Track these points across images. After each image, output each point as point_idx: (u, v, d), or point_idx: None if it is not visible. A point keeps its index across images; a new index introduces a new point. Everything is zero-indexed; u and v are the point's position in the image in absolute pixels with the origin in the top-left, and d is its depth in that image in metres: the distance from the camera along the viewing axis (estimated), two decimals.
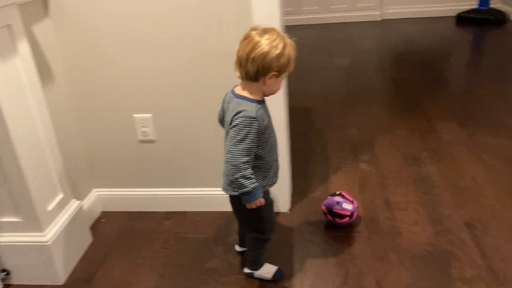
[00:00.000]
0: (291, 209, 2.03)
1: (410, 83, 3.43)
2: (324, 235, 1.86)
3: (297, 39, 1.37)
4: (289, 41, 1.32)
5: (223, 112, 1.45)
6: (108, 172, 2.08)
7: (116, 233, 1.98)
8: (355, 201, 1.88)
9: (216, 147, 1.95)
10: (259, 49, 1.26)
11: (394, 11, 5.48)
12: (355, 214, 1.85)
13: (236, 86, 1.42)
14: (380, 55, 4.19)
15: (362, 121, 2.85)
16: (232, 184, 1.40)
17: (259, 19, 1.67)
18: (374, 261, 1.70)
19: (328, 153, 2.50)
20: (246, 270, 1.66)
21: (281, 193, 1.98)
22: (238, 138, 1.31)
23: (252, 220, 1.53)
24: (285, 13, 6.20)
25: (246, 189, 1.34)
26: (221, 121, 1.51)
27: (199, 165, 2.00)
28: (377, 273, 1.64)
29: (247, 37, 1.30)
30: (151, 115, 1.92)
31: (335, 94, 3.21)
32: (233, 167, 1.33)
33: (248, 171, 1.33)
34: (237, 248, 1.79)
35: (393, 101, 3.13)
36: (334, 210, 1.83)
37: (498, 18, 4.88)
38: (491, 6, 5.16)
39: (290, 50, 1.31)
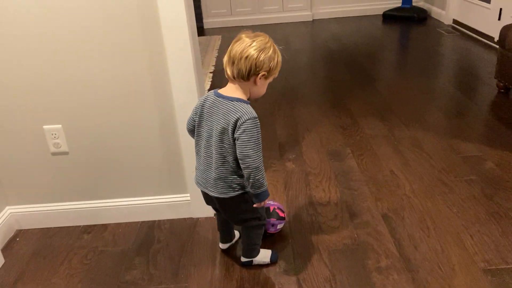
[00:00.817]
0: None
1: (338, 81, 3.52)
2: None
3: (283, 47, 1.43)
4: (277, 48, 1.42)
5: (199, 117, 1.46)
6: (21, 187, 1.97)
7: (31, 252, 1.88)
8: (284, 214, 1.84)
9: (133, 156, 1.90)
10: (252, 48, 1.34)
11: (325, 11, 5.63)
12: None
13: (219, 89, 1.44)
14: (310, 55, 4.28)
15: (290, 120, 2.89)
16: (253, 185, 1.41)
17: (166, 24, 1.65)
18: (295, 259, 1.71)
19: None
20: (244, 259, 1.67)
21: None
22: (253, 141, 1.36)
23: (251, 213, 1.54)
24: (218, 15, 6.22)
25: (264, 187, 1.42)
26: (192, 129, 1.51)
27: (116, 176, 1.94)
28: (297, 271, 1.66)
29: (239, 39, 1.37)
30: (61, 126, 1.83)
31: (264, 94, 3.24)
32: (255, 169, 1.37)
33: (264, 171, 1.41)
34: (222, 246, 1.77)
35: (321, 99, 3.20)
36: (268, 232, 1.80)
37: (420, 15, 5.14)
38: (414, 4, 5.43)
39: (279, 56, 1.41)
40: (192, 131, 1.53)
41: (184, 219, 2.00)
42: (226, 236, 1.76)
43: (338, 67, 3.84)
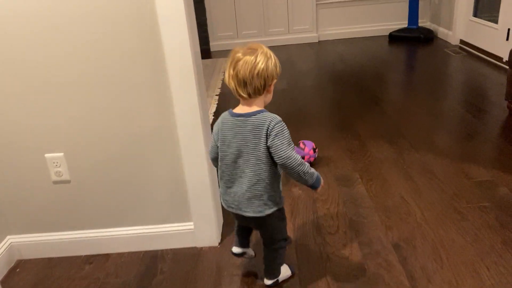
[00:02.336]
0: (220, 242, 1.96)
1: (345, 103, 3.49)
2: (251, 267, 1.79)
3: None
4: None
5: (222, 142, 1.47)
6: (22, 217, 1.93)
7: (31, 283, 1.82)
8: (307, 148, 2.43)
9: (136, 184, 1.86)
10: (260, 64, 1.37)
11: (330, 32, 5.64)
12: (305, 158, 2.35)
13: (232, 109, 1.46)
14: (316, 77, 4.26)
15: (296, 143, 2.84)
16: (306, 179, 1.45)
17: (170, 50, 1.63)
18: None
19: None
20: (269, 282, 1.66)
21: (208, 224, 1.90)
22: (286, 142, 1.40)
23: (279, 230, 1.58)
24: (224, 37, 6.24)
25: (315, 174, 1.47)
26: (217, 157, 1.51)
27: (118, 204, 1.90)
28: None
29: (239, 59, 1.38)
30: (62, 154, 1.80)
31: None
32: (299, 165, 1.41)
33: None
34: (236, 249, 1.72)
35: (328, 122, 3.16)
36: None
37: (426, 35, 5.11)
38: (420, 25, 5.42)
39: (276, 58, 1.45)
40: (216, 159, 1.53)
41: (188, 248, 1.94)
42: (243, 240, 1.72)
43: (345, 89, 3.81)
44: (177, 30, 1.60)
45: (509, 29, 3.86)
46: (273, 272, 1.65)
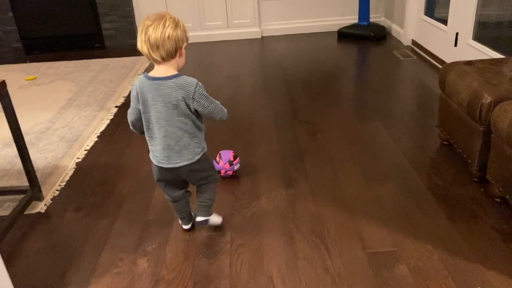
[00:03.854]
0: None
1: (264, 117, 2.94)
2: None
3: None
4: None
5: (143, 105, 1.58)
6: None
7: None
8: (222, 162, 2.22)
9: None
10: (169, 28, 1.48)
11: (275, 27, 5.05)
12: (221, 172, 2.23)
13: (148, 73, 1.57)
14: (253, 79, 3.68)
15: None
16: (222, 118, 1.71)
17: None
18: None
19: None
20: (201, 219, 1.81)
21: None
22: (209, 99, 1.61)
23: (209, 167, 1.78)
24: None
25: (225, 111, 1.72)
26: (138, 119, 1.64)
27: None
28: None
29: (149, 25, 1.48)
30: None
31: None
32: (220, 112, 1.67)
33: None
34: (188, 226, 1.92)
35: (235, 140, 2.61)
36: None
37: (377, 34, 4.56)
38: (374, 20, 4.86)
39: (184, 24, 1.56)
40: (138, 120, 1.65)
41: None
42: (187, 214, 1.89)
43: (276, 99, 3.25)
44: None
45: (457, 34, 3.32)
46: (206, 208, 1.82)
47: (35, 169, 2.26)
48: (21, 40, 4.87)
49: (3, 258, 1.41)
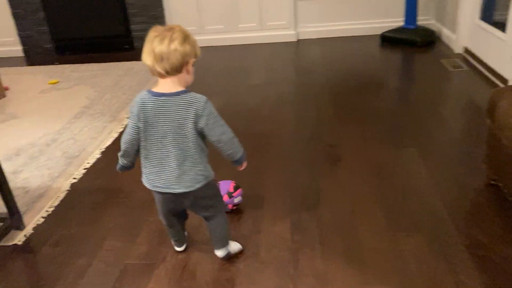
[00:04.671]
0: None
1: (323, 125, 2.61)
2: None
3: None
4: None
5: (144, 123, 1.46)
6: None
7: None
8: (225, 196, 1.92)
9: None
10: (176, 40, 1.39)
11: (312, 29, 4.67)
12: (229, 206, 1.95)
13: (152, 89, 1.46)
14: (292, 88, 3.36)
15: None
16: (232, 154, 1.55)
17: None
18: None
19: None
20: (223, 253, 1.69)
21: None
22: (219, 119, 1.48)
23: (218, 199, 1.67)
24: None
25: (242, 149, 1.57)
26: (136, 138, 1.51)
27: None
28: None
29: (156, 36, 1.40)
30: None
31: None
32: (230, 141, 1.52)
33: None
34: (180, 248, 1.79)
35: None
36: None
37: (424, 39, 4.08)
38: (423, 23, 4.36)
39: (195, 39, 1.46)
40: (134, 146, 1.53)
41: None
42: (181, 237, 1.78)
43: (328, 109, 2.92)
44: None
45: None
46: (224, 240, 1.68)
47: (28, 188, 2.08)
48: (52, 41, 4.81)
49: None
